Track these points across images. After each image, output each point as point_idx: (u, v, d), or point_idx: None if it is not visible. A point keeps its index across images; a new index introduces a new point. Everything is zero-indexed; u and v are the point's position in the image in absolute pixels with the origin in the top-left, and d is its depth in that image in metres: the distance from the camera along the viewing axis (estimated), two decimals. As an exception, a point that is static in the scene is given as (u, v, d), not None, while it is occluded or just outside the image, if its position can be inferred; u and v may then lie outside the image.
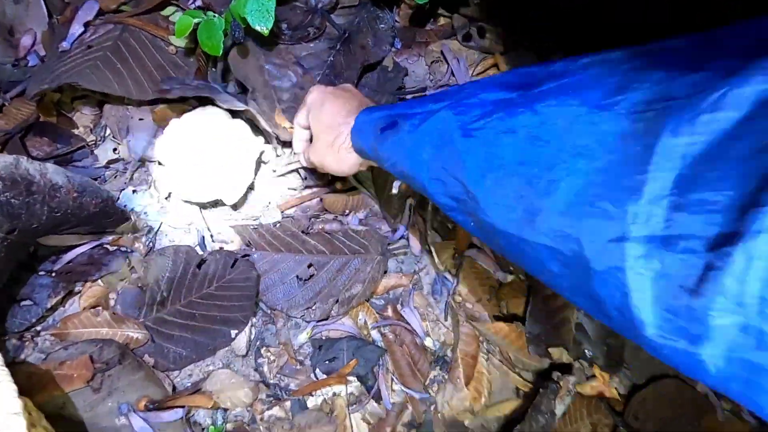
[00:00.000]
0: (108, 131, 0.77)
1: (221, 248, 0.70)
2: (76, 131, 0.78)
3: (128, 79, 0.75)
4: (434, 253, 0.73)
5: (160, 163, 0.69)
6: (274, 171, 0.78)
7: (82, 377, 0.59)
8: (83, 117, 0.80)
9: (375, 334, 0.69)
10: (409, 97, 0.89)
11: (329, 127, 0.59)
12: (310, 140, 0.64)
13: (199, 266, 0.66)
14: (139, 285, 0.66)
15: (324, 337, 0.69)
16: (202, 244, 0.70)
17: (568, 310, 0.70)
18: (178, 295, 0.65)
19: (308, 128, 0.63)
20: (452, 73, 0.89)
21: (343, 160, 0.58)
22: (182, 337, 0.63)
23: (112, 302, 0.67)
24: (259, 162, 0.77)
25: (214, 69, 0.82)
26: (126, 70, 0.76)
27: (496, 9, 0.90)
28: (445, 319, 0.70)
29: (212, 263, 0.66)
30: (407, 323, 0.69)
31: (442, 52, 0.91)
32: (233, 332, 0.63)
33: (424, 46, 0.92)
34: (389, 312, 0.69)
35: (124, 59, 0.77)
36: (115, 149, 0.75)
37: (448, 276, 0.72)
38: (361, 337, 0.68)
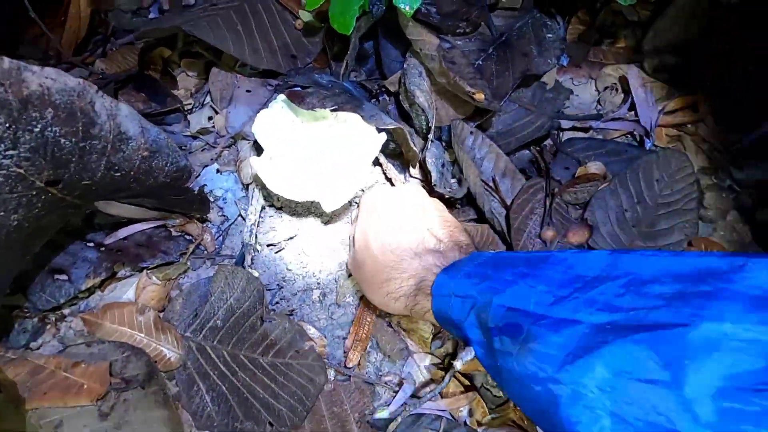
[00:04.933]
0: (209, 98, 0.65)
1: (292, 312, 0.53)
2: (176, 92, 0.68)
3: (245, 43, 0.64)
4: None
5: (255, 142, 0.55)
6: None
7: (92, 391, 0.45)
8: (188, 79, 0.70)
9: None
10: (568, 126, 0.69)
11: (382, 264, 0.42)
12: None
13: (262, 320, 0.49)
14: (198, 294, 0.51)
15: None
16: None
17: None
18: (229, 336, 0.49)
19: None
20: (631, 106, 0.68)
21: (390, 307, 0.43)
22: (219, 389, 0.47)
23: (164, 303, 0.53)
24: (377, 164, 0.61)
25: (336, 60, 0.69)
26: (245, 34, 0.65)
27: (709, 37, 0.68)
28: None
29: (278, 329, 0.49)
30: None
31: (620, 78, 0.71)
32: (269, 429, 0.46)
33: (598, 67, 0.73)
34: (514, 415, 0.47)
35: (246, 22, 0.66)
36: (210, 118, 0.63)
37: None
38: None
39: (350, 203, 0.59)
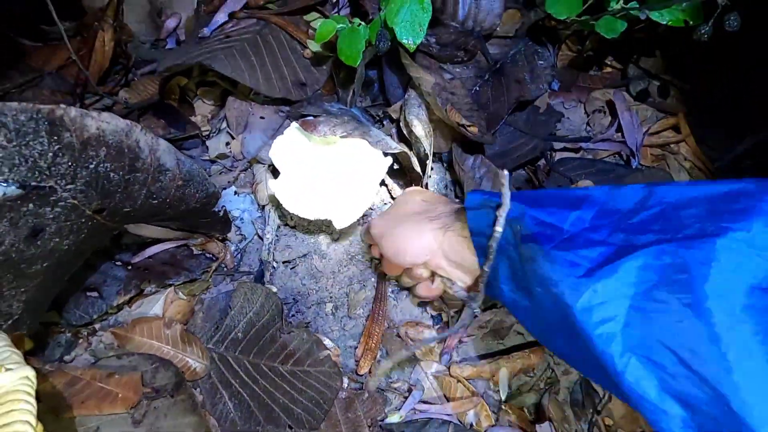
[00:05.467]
0: (225, 124, 0.70)
1: (308, 324, 0.57)
2: (193, 118, 0.72)
3: (259, 73, 0.69)
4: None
5: (271, 165, 0.59)
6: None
7: (126, 400, 0.48)
8: (204, 106, 0.74)
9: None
10: (560, 147, 0.74)
11: (418, 205, 0.47)
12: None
13: (281, 333, 0.54)
14: (217, 308, 0.55)
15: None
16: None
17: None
18: (250, 347, 0.53)
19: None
20: (618, 127, 0.73)
21: (423, 241, 0.43)
22: (240, 396, 0.51)
23: (188, 318, 0.57)
24: (383, 185, 0.65)
25: (343, 87, 0.74)
26: (259, 65, 0.70)
27: (689, 66, 0.74)
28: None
29: (297, 340, 0.54)
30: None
31: (608, 102, 0.76)
32: (289, 432, 0.50)
33: (586, 92, 0.78)
34: (511, 417, 0.51)
35: (259, 53, 0.71)
36: (227, 143, 0.68)
37: (597, 386, 0.53)
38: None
39: (358, 222, 0.63)
